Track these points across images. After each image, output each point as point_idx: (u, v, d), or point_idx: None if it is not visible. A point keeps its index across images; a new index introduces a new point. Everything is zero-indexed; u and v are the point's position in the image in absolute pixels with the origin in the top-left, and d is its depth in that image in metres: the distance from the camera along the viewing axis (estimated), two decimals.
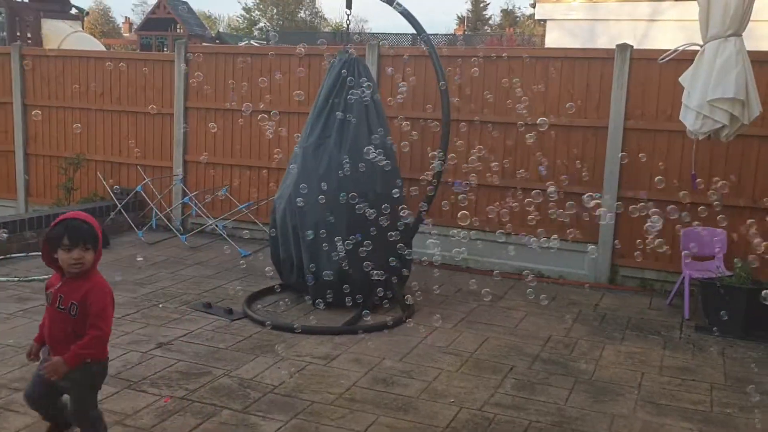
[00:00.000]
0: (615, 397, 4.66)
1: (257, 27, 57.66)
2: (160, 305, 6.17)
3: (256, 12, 59.91)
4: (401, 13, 6.23)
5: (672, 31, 11.75)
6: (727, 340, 5.79)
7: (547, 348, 5.51)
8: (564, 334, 5.85)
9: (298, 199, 6.06)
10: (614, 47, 7.30)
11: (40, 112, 9.38)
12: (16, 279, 6.78)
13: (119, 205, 8.68)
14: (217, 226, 8.50)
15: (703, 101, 5.64)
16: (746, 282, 5.89)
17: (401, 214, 6.30)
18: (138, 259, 7.58)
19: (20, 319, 5.69)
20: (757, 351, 5.60)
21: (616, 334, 5.89)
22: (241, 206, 8.53)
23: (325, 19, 60.27)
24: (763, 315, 5.70)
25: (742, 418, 4.43)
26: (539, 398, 4.59)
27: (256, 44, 28.29)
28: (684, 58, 6.27)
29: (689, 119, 5.85)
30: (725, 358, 5.46)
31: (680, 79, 6.04)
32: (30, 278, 6.82)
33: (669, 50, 6.37)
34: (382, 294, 6.10)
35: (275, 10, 58.99)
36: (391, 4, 6.12)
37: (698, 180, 6.42)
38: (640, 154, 6.91)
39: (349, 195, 5.88)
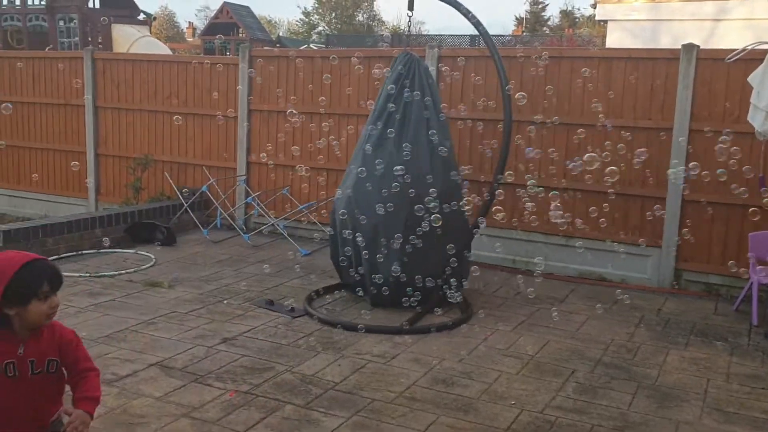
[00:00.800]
0: (680, 403, 4.57)
1: (316, 31, 58.31)
2: (225, 301, 6.34)
3: (315, 16, 60.59)
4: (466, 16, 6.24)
5: (739, 30, 11.42)
6: None
7: (609, 352, 5.44)
8: (626, 338, 5.75)
9: (357, 199, 6.15)
10: (679, 47, 7.15)
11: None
12: (87, 274, 7.06)
13: (185, 205, 8.94)
14: (278, 225, 8.67)
15: None
16: None
17: (460, 214, 6.32)
18: (211, 254, 7.78)
19: (92, 313, 5.92)
20: None
21: (680, 339, 5.77)
22: (301, 206, 8.68)
23: (383, 22, 60.53)
24: None
25: None
26: (601, 402, 4.54)
27: (315, 48, 28.63)
28: (753, 58, 6.11)
29: (758, 120, 5.70)
30: None
31: (749, 79, 5.89)
32: (101, 274, 7.09)
33: (736, 50, 6.21)
34: (441, 295, 6.15)
35: (333, 14, 59.57)
36: (464, 14, 6.14)
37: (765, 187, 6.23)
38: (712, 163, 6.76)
39: (409, 192, 5.92)
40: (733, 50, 6.28)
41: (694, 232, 6.93)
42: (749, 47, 6.04)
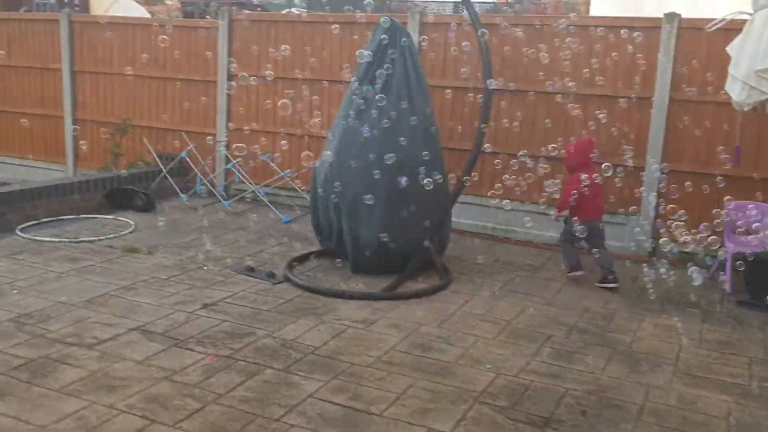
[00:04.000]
0: (652, 368, 4.68)
1: None
2: (205, 268, 6.34)
3: None
4: None
5: (723, 1, 11.42)
6: None
7: (585, 318, 5.53)
8: (602, 305, 5.86)
9: (338, 166, 6.15)
10: (662, 16, 7.16)
11: None
12: (66, 240, 7.02)
13: (164, 170, 8.88)
14: (258, 192, 8.65)
15: (750, 71, 5.52)
16: None
17: (441, 181, 6.35)
18: (190, 221, 7.77)
19: (72, 278, 5.91)
20: None
21: (655, 307, 5.88)
22: (282, 173, 8.65)
23: None
24: None
25: None
26: (576, 367, 4.63)
27: (297, 12, 28.20)
28: (733, 28, 6.13)
29: (735, 90, 5.74)
30: (766, 333, 5.42)
31: (728, 49, 5.92)
32: (80, 239, 7.06)
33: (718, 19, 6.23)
34: (421, 261, 6.20)
35: None
36: None
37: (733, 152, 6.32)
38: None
39: (388, 160, 5.93)
40: (714, 20, 6.29)
41: (672, 201, 7.01)
42: (728, 17, 6.06)
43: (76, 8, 18.11)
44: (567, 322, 5.42)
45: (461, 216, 7.76)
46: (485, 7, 31.95)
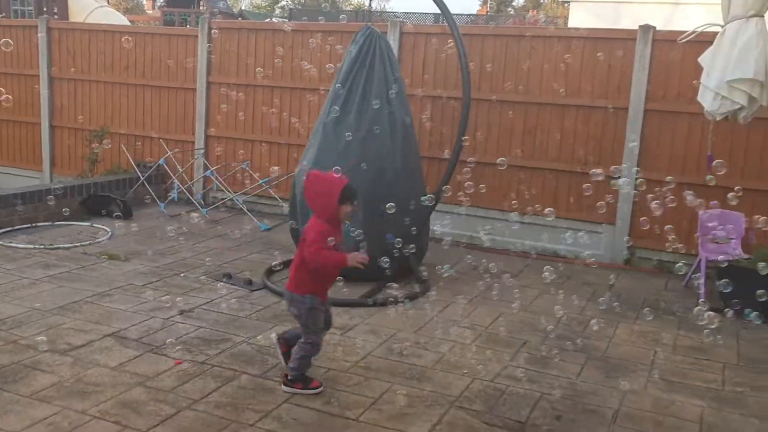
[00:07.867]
0: (627, 373, 4.72)
1: (279, 5, 57.51)
2: (182, 275, 6.30)
3: None
4: None
5: (698, 14, 11.60)
6: (743, 322, 5.80)
7: (561, 325, 5.57)
8: (578, 312, 5.90)
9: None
10: (637, 28, 7.28)
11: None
12: (41, 246, 6.95)
13: (142, 178, 8.83)
14: (236, 200, 8.62)
15: (721, 82, 5.62)
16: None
17: (419, 191, 6.37)
18: (168, 228, 7.70)
19: (46, 285, 5.85)
20: None
21: (630, 314, 5.94)
22: (261, 181, 8.63)
23: None
24: None
25: (754, 396, 4.47)
26: (551, 372, 4.66)
27: (276, 21, 28.22)
28: (707, 40, 6.24)
29: (707, 100, 5.84)
30: (739, 339, 5.48)
31: (700, 60, 6.02)
32: (55, 246, 6.99)
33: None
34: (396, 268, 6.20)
35: None
36: None
37: (715, 162, 6.39)
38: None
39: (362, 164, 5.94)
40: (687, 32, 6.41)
41: (647, 210, 7.09)
42: (699, 29, 6.16)
43: (55, 15, 18.02)
44: (543, 329, 5.45)
45: (439, 224, 7.79)
46: (464, 20, 32.21)
